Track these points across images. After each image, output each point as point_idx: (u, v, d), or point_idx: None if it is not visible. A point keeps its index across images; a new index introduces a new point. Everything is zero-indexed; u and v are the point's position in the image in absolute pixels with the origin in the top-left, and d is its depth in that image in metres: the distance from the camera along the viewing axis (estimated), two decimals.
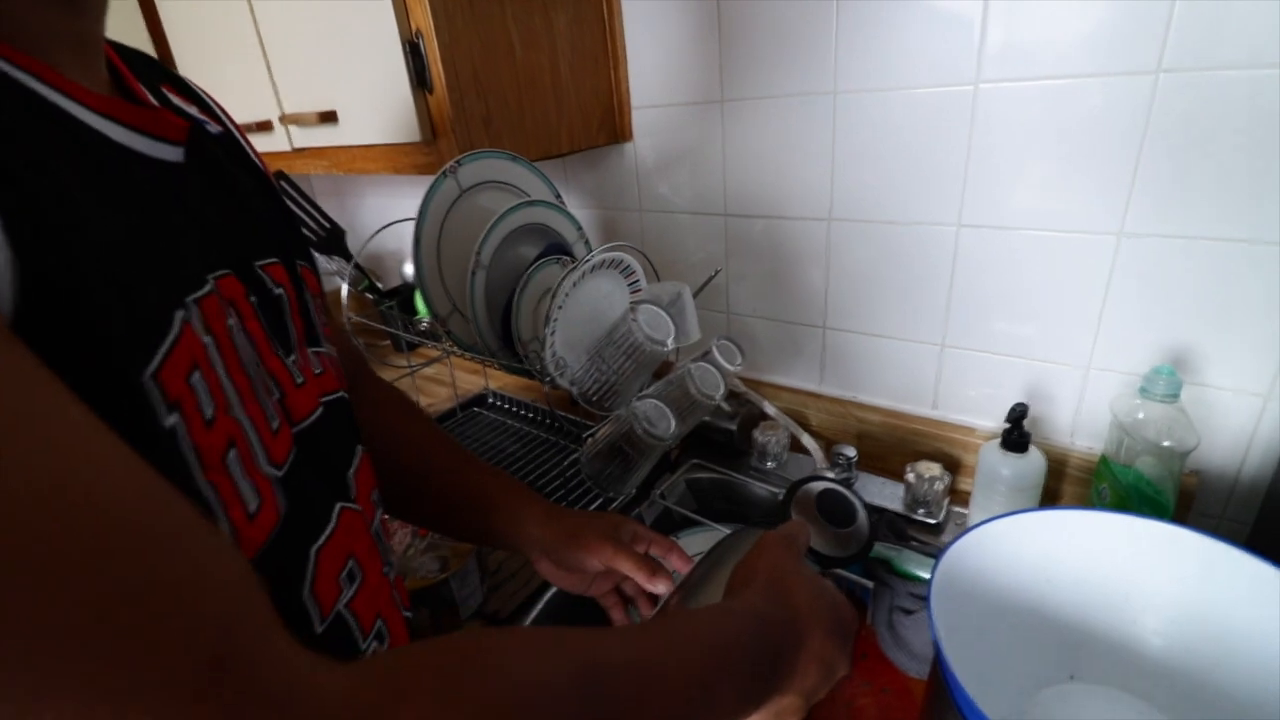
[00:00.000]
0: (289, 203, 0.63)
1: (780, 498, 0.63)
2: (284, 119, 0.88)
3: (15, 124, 0.22)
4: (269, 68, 0.87)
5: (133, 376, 0.24)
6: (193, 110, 0.38)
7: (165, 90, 0.37)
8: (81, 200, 0.23)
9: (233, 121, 0.43)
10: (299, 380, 0.37)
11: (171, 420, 0.26)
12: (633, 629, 0.36)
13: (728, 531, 0.59)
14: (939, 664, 0.42)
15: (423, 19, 0.69)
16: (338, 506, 0.38)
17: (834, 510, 0.59)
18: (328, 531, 0.37)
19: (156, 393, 0.25)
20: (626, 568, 0.53)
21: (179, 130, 0.32)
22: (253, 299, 0.35)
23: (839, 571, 0.68)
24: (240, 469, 0.29)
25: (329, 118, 0.82)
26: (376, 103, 0.76)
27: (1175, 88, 0.60)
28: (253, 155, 0.43)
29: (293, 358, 0.37)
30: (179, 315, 0.27)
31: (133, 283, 0.25)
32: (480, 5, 0.73)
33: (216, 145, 0.38)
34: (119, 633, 0.16)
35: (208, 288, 0.30)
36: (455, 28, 0.71)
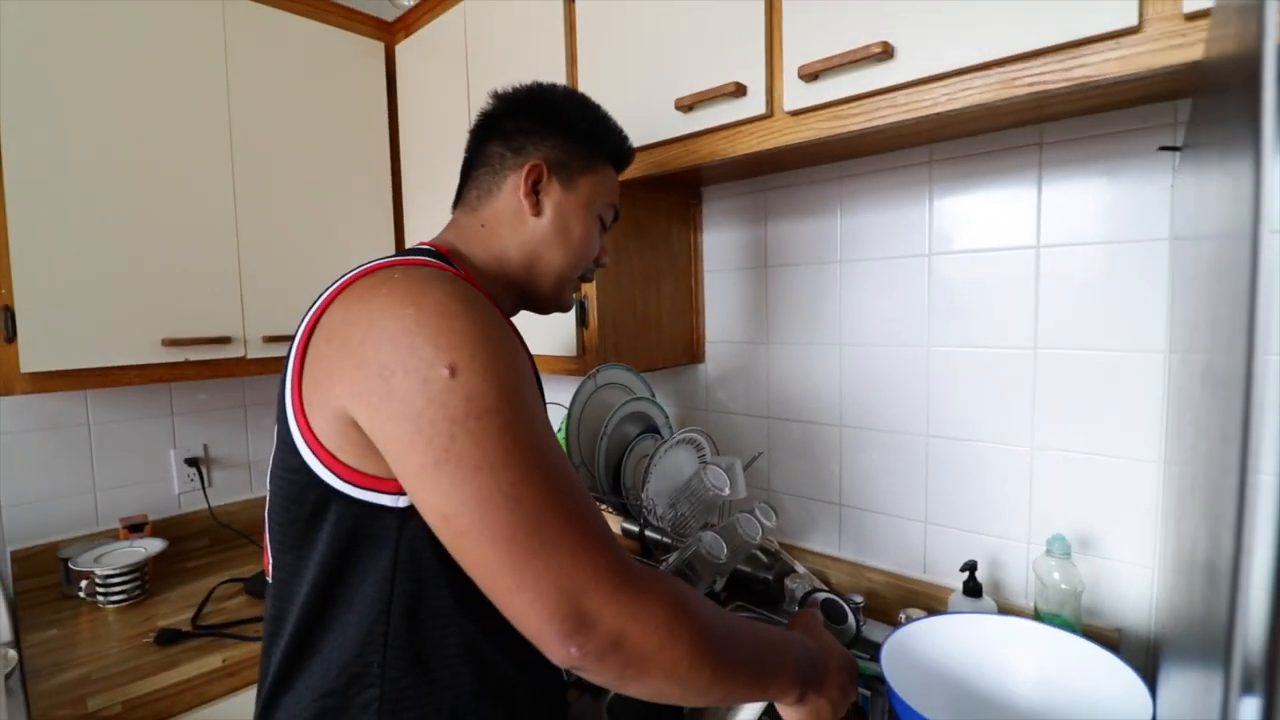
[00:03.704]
0: None
1: (798, 608, 0.92)
2: None
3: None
4: None
5: None
6: None
7: None
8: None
9: None
10: None
11: None
12: (739, 616, 0.63)
13: None
14: (887, 690, 0.69)
15: (590, 289, 1.17)
16: None
17: (832, 612, 0.87)
18: None
19: None
20: None
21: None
22: None
23: None
24: None
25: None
26: (552, 331, 1.23)
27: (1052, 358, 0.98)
28: None
29: None
30: None
31: None
32: (623, 282, 1.22)
33: None
34: (593, 522, 0.51)
35: None
36: (606, 294, 1.19)
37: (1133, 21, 0.63)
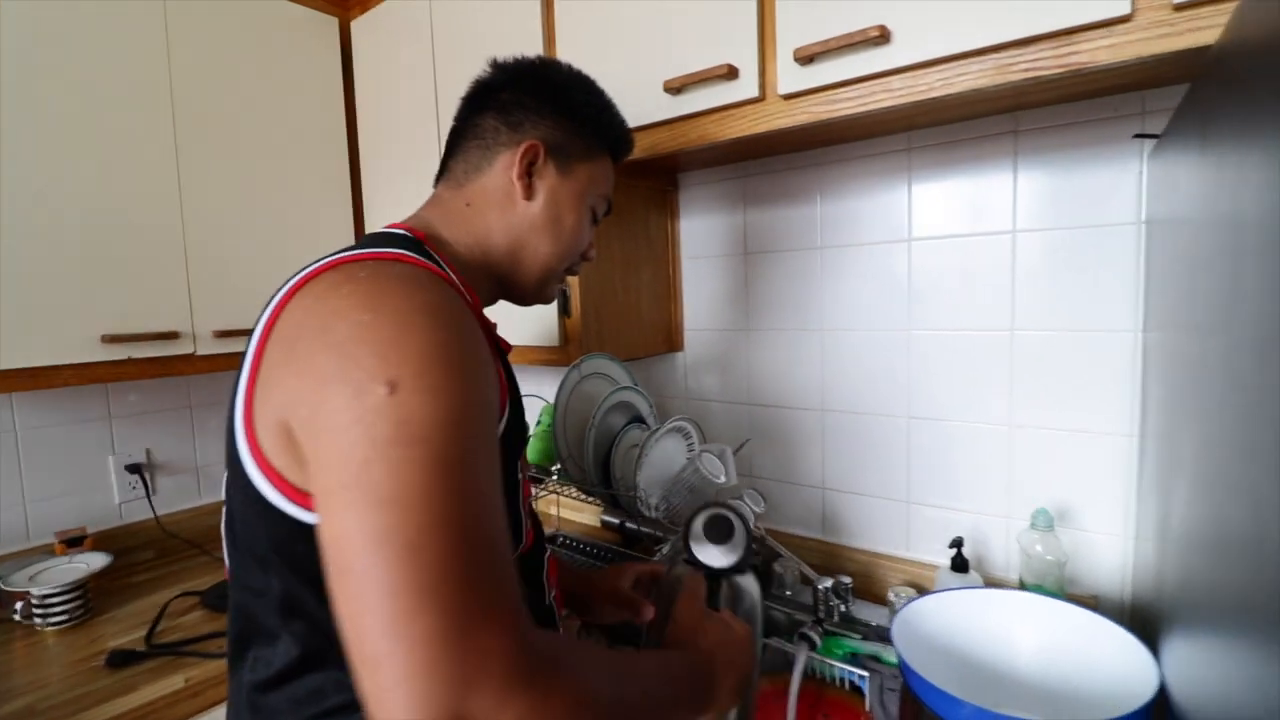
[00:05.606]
0: None
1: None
2: None
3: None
4: None
5: (513, 463, 0.60)
6: None
7: None
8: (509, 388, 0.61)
9: None
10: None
11: (522, 476, 0.61)
12: (634, 656, 0.60)
13: None
14: (902, 667, 0.70)
15: (572, 280, 1.14)
16: (547, 547, 0.71)
17: (718, 530, 0.78)
18: (547, 554, 0.69)
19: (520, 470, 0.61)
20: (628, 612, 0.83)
21: (508, 349, 0.71)
22: None
23: (842, 666, 0.94)
24: (527, 510, 0.64)
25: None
26: (531, 321, 1.20)
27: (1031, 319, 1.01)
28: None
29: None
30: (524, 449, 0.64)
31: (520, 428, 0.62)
32: (603, 269, 1.19)
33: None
34: (505, 591, 0.44)
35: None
36: (589, 283, 1.16)
37: (1125, 10, 0.65)
